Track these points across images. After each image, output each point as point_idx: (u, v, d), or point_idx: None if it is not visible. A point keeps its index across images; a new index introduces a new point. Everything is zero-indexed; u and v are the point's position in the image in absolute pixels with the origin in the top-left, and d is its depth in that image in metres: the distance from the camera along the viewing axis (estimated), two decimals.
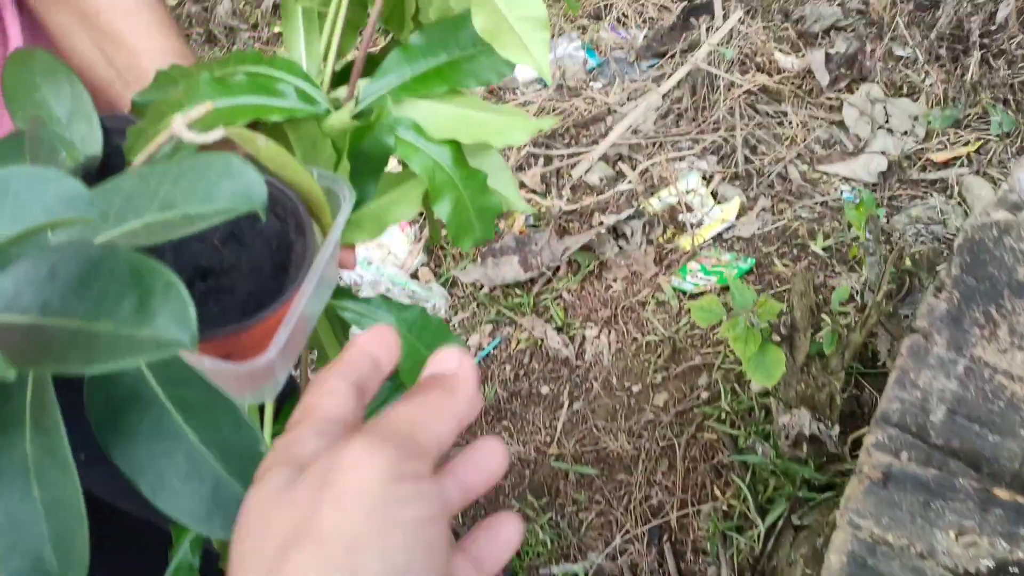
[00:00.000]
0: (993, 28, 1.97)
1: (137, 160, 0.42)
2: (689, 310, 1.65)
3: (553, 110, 2.08)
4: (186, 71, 0.50)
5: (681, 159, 1.95)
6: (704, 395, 1.50)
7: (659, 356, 1.58)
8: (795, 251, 1.74)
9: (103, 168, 0.50)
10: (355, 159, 0.50)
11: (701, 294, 1.64)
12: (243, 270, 0.48)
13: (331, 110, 0.51)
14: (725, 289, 1.64)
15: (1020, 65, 1.91)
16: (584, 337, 1.66)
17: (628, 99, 2.08)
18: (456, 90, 0.50)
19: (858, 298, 1.50)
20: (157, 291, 0.28)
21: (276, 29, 2.26)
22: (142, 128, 0.47)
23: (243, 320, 0.44)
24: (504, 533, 0.34)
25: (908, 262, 1.24)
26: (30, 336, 0.28)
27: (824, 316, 1.39)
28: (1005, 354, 0.74)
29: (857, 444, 1.21)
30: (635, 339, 1.62)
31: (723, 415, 1.44)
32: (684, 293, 1.67)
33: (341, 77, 0.55)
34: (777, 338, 1.19)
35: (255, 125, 0.47)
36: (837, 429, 1.21)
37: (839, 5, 2.17)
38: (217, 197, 0.34)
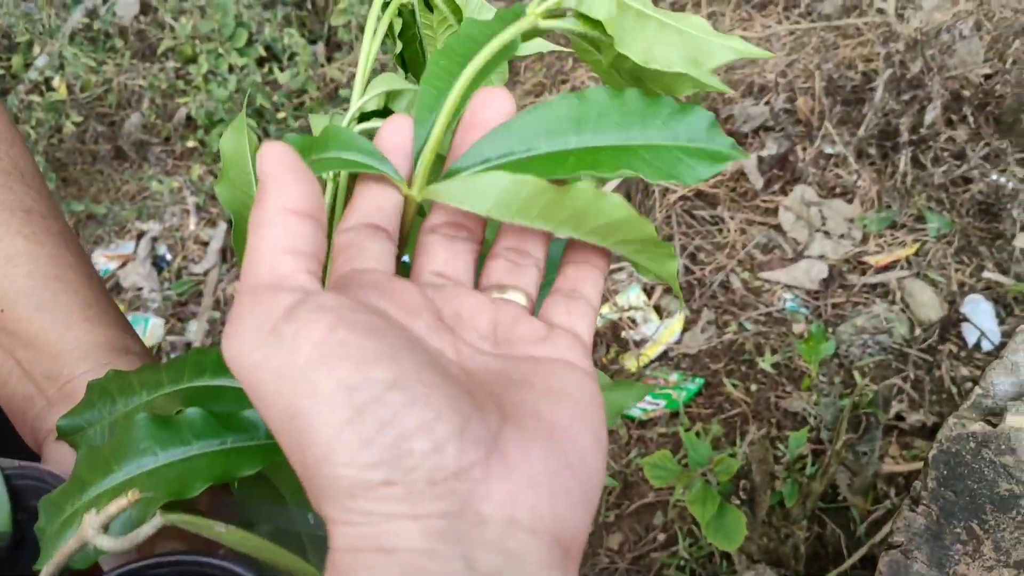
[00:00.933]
0: (922, 127, 1.98)
1: (44, 571, 0.35)
2: (640, 439, 1.58)
3: None
4: (126, 384, 0.40)
5: (620, 270, 1.90)
6: (661, 537, 1.43)
7: (610, 492, 1.51)
8: (743, 368, 1.69)
9: (17, 545, 0.42)
10: None
11: (650, 421, 1.57)
12: None
13: None
14: (675, 415, 1.58)
15: (950, 165, 1.92)
16: None
17: None
18: None
19: (813, 434, 1.45)
20: None
21: (189, 143, 2.18)
22: (57, 501, 0.37)
23: None
24: None
25: (864, 399, 1.20)
26: None
27: (780, 458, 1.34)
28: (991, 572, 0.68)
29: None
30: None
31: (682, 562, 1.37)
32: (632, 420, 1.60)
33: None
34: (736, 500, 1.13)
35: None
36: None
37: (766, 105, 2.17)
38: None
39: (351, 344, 0.25)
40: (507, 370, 0.31)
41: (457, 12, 0.38)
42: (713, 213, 1.98)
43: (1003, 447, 0.74)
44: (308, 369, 0.25)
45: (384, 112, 0.41)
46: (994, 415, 0.77)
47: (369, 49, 0.39)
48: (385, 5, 0.38)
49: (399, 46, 0.41)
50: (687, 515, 1.43)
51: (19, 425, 0.48)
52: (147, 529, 0.31)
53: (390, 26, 0.38)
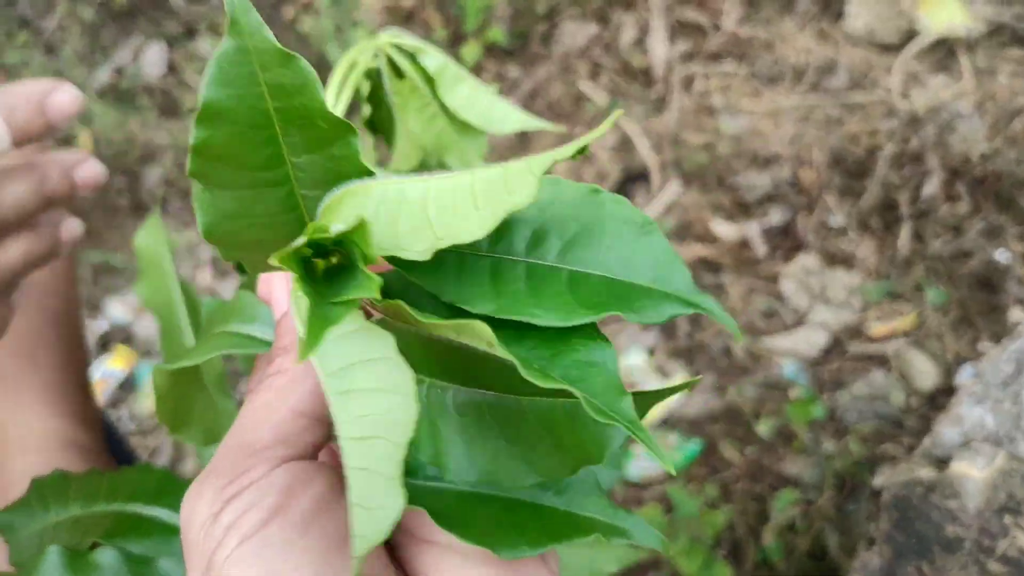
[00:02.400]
0: (922, 201, 2.02)
1: None
2: (636, 499, 1.59)
3: None
4: (62, 490, 0.38)
5: (623, 332, 1.93)
6: None
7: None
8: (740, 431, 1.70)
9: None
10: None
11: (647, 483, 1.59)
12: None
13: None
14: (671, 477, 1.60)
15: (948, 239, 1.96)
16: None
17: None
18: None
19: (801, 493, 1.46)
20: None
21: None
22: None
23: None
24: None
25: (851, 463, 1.22)
26: None
27: (770, 515, 1.35)
28: None
29: None
30: None
31: None
32: (629, 482, 1.61)
33: None
34: (722, 551, 1.14)
35: None
36: None
37: (770, 175, 2.22)
38: None
39: (278, 544, 0.25)
40: None
41: (430, 82, 0.39)
42: (717, 279, 2.02)
43: (948, 492, 0.76)
44: (226, 568, 0.25)
45: None
46: (942, 462, 0.79)
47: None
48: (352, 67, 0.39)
49: (367, 109, 0.41)
50: (680, 573, 1.44)
51: None
52: None
53: (358, 89, 0.39)
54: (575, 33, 2.61)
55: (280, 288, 0.30)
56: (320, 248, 0.24)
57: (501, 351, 0.22)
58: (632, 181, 2.24)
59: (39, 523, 0.38)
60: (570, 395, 0.23)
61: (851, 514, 1.32)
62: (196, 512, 0.26)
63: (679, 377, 1.81)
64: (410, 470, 0.29)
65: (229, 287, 2.07)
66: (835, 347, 1.85)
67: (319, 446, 0.28)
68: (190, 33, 2.64)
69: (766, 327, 1.91)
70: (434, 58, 0.38)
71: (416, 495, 0.27)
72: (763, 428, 1.68)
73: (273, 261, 0.23)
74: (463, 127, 0.38)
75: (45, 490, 0.39)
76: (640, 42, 2.60)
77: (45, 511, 0.38)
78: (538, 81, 2.54)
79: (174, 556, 0.36)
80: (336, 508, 0.26)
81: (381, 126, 0.41)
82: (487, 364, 0.26)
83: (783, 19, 2.66)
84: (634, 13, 2.66)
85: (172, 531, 0.37)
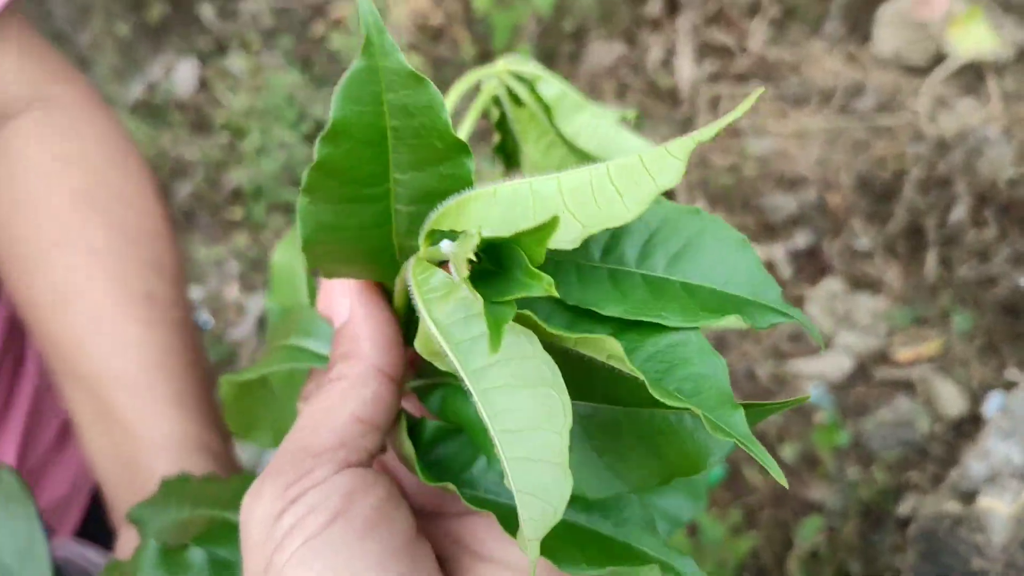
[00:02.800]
0: (949, 227, 2.01)
1: None
2: None
3: None
4: (182, 490, 0.41)
5: None
6: None
7: None
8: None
9: None
10: None
11: None
12: None
13: None
14: None
15: (975, 264, 1.95)
16: None
17: None
18: None
19: (824, 521, 1.46)
20: None
21: (236, 214, 2.27)
22: None
23: None
24: None
25: (876, 491, 1.21)
26: None
27: (793, 540, 1.35)
28: None
29: None
30: None
31: None
32: None
33: None
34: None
35: None
36: None
37: (796, 197, 2.22)
38: None
39: (341, 546, 0.25)
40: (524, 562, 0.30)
41: (547, 110, 0.38)
42: None
43: (975, 526, 0.77)
44: (287, 569, 0.25)
45: None
46: (968, 496, 0.80)
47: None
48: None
49: (497, 137, 0.41)
50: None
51: (109, 508, 0.51)
52: None
53: (487, 114, 0.39)
54: (602, 52, 2.63)
55: (340, 297, 0.30)
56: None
57: (628, 367, 0.23)
58: None
59: (160, 520, 0.41)
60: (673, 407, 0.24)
61: (875, 544, 1.31)
62: (256, 512, 0.26)
63: None
64: (470, 482, 0.30)
65: (257, 302, 2.09)
66: (860, 372, 1.85)
67: (374, 453, 0.28)
68: (221, 50, 2.68)
69: (791, 350, 1.91)
70: (552, 86, 0.37)
71: (479, 505, 0.28)
72: (787, 453, 1.68)
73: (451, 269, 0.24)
74: (583, 156, 0.37)
75: (171, 489, 0.42)
76: (667, 63, 2.61)
77: (166, 508, 0.42)
78: None
79: None
80: (394, 515, 0.26)
81: (509, 153, 0.41)
82: (593, 375, 0.26)
83: (810, 41, 2.67)
84: (661, 34, 2.67)
85: None
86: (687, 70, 2.57)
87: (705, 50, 2.66)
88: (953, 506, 0.82)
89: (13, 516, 0.44)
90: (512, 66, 0.38)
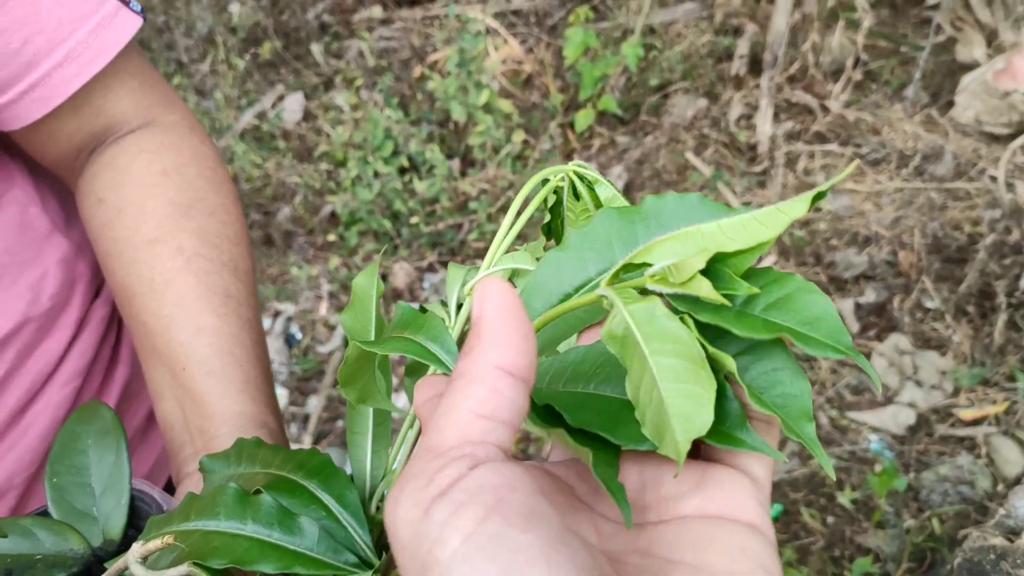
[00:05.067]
0: (1019, 292, 2.04)
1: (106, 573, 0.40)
2: None
3: None
4: (254, 451, 0.48)
5: None
6: None
7: None
8: (822, 500, 1.75)
9: (120, 552, 0.47)
10: None
11: None
12: None
13: (367, 560, 0.43)
14: None
15: None
16: None
17: None
18: None
19: (879, 565, 1.50)
20: None
21: (331, 237, 2.41)
22: (159, 521, 0.43)
23: None
24: None
25: (936, 532, 1.25)
26: None
27: None
28: None
29: None
30: None
31: None
32: None
33: None
34: None
35: None
36: None
37: (868, 254, 2.27)
38: None
39: (503, 540, 0.24)
40: (655, 549, 0.29)
41: (598, 204, 0.46)
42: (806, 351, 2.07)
43: (1019, 561, 0.82)
44: (452, 566, 0.24)
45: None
46: (1014, 533, 0.85)
47: (512, 221, 0.45)
48: (544, 182, 0.47)
49: (548, 217, 0.48)
50: None
51: (171, 462, 0.59)
52: (173, 572, 0.33)
53: (544, 199, 0.47)
54: (685, 106, 2.72)
55: (477, 296, 0.30)
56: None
57: (739, 380, 0.33)
58: None
59: (228, 471, 0.47)
60: None
61: None
62: (399, 513, 0.26)
63: None
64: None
65: None
66: (922, 427, 1.88)
67: (507, 449, 0.28)
68: (327, 85, 2.86)
69: (854, 401, 1.95)
70: (607, 189, 0.45)
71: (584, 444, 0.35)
72: (846, 499, 1.72)
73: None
74: None
75: (243, 448, 0.48)
76: (747, 119, 2.69)
77: (237, 464, 0.47)
78: (646, 149, 2.66)
79: (311, 516, 0.43)
80: (546, 507, 0.26)
81: (555, 232, 0.49)
82: None
83: (892, 105, 2.72)
84: (743, 91, 2.75)
85: (315, 500, 0.45)
86: (767, 127, 2.65)
87: (785, 108, 2.74)
88: (999, 541, 0.87)
89: (106, 448, 0.50)
90: (579, 168, 0.47)
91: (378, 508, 0.48)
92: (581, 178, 0.46)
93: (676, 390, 0.32)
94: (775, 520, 1.70)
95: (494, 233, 2.40)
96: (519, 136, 2.54)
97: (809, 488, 1.77)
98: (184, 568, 0.33)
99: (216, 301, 0.60)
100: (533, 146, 2.59)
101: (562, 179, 0.48)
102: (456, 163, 2.53)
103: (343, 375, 0.47)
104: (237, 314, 0.60)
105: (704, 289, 0.33)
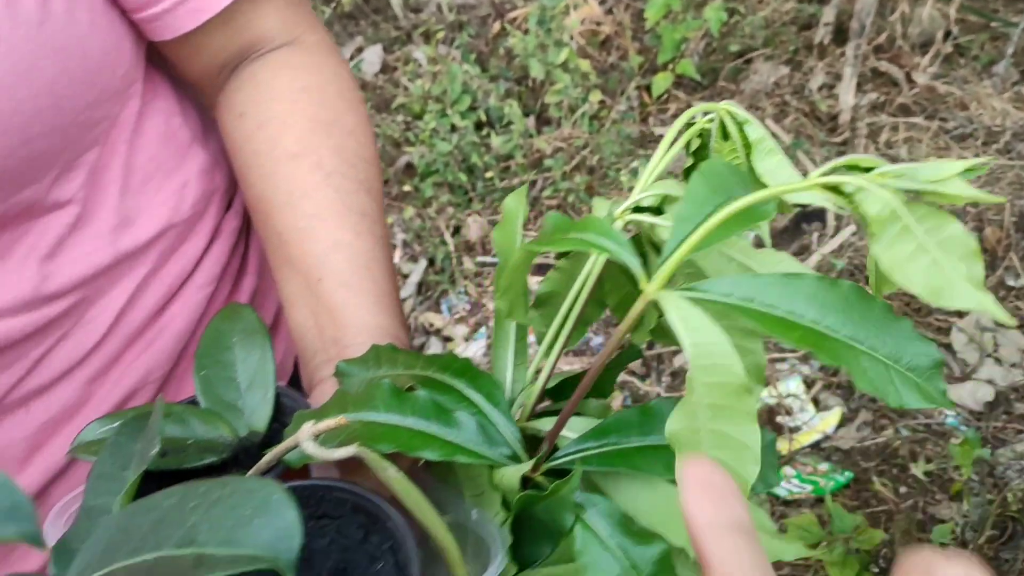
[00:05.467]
0: None
1: (264, 459, 0.41)
2: (781, 516, 1.64)
3: None
4: (394, 356, 0.48)
5: (783, 361, 1.98)
6: None
7: None
8: (895, 471, 1.72)
9: (265, 446, 0.48)
10: (522, 522, 0.43)
11: (795, 502, 1.63)
12: None
13: (518, 455, 0.45)
14: (819, 500, 1.63)
15: None
16: None
17: None
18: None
19: (958, 531, 1.48)
20: None
21: (406, 188, 2.42)
22: (307, 415, 0.44)
23: None
24: None
25: (1013, 508, 1.23)
26: None
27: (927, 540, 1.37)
28: None
29: None
30: None
31: None
32: (777, 498, 1.66)
33: (558, 392, 0.51)
34: (875, 568, 1.19)
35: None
36: None
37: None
38: (243, 540, 0.26)
39: None
40: None
41: (747, 147, 0.44)
42: None
43: None
44: None
45: (658, 210, 0.46)
46: None
47: (662, 154, 0.46)
48: (688, 125, 0.47)
49: (689, 161, 0.48)
50: None
51: (302, 369, 0.59)
52: (343, 452, 0.34)
53: (688, 143, 0.47)
54: (766, 73, 2.68)
55: (691, 501, 0.26)
56: None
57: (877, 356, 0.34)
58: (808, 219, 2.28)
59: (366, 374, 0.49)
60: None
61: (1006, 564, 1.33)
62: None
63: (836, 411, 1.84)
64: None
65: (418, 270, 2.24)
66: (1001, 404, 1.84)
67: None
68: (406, 39, 2.87)
69: None
70: (756, 130, 0.44)
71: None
72: (920, 470, 1.70)
73: None
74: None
75: (380, 353, 0.49)
76: (829, 88, 2.64)
77: (375, 367, 0.49)
78: None
79: (466, 412, 0.45)
80: None
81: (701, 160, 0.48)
82: None
83: (981, 80, 2.64)
84: (827, 60, 2.70)
85: (464, 398, 0.46)
86: (849, 97, 2.59)
87: (870, 79, 2.67)
88: None
89: (251, 345, 0.51)
90: (730, 107, 0.46)
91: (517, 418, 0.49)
92: (732, 116, 0.45)
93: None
94: (843, 488, 1.68)
95: (569, 191, 2.39)
96: (596, 96, 2.52)
97: (881, 458, 1.75)
98: (353, 448, 0.33)
99: (353, 218, 0.60)
100: (610, 107, 2.57)
101: (710, 120, 0.47)
102: (531, 121, 2.53)
103: (501, 284, 0.48)
104: (371, 232, 0.61)
105: (962, 188, 0.33)
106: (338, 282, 0.58)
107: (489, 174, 2.38)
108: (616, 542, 0.40)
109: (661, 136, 2.65)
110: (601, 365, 0.40)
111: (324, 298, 0.57)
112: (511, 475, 0.43)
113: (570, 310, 0.49)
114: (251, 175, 0.62)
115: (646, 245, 0.49)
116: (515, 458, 0.44)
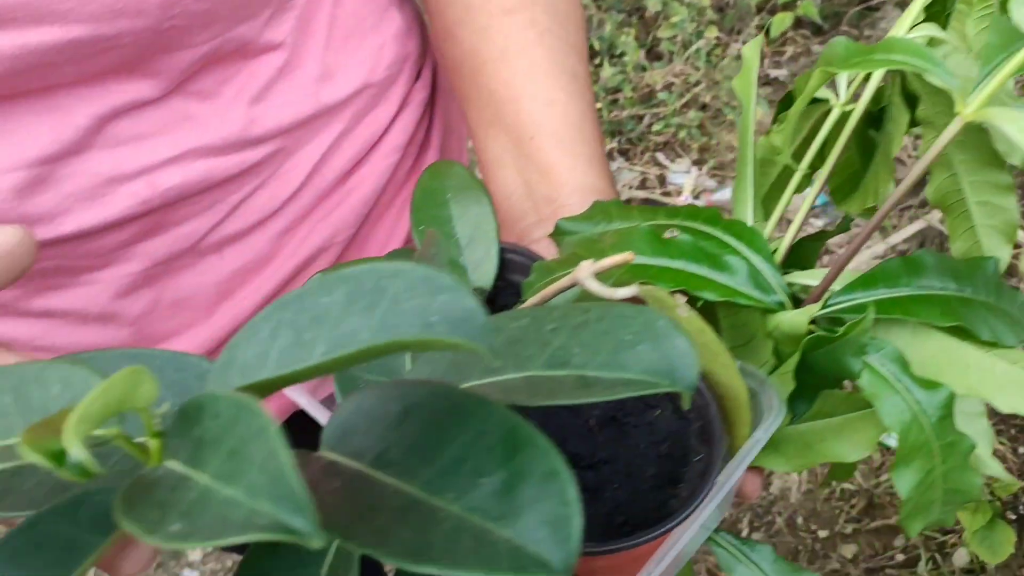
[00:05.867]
0: None
1: (529, 300, 0.38)
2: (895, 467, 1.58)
3: None
4: (625, 211, 0.46)
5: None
6: (899, 557, 1.43)
7: (853, 507, 1.52)
8: (1013, 431, 1.65)
9: (490, 303, 0.46)
10: (800, 372, 0.41)
11: None
12: (618, 469, 0.40)
13: (785, 304, 0.42)
14: None
15: None
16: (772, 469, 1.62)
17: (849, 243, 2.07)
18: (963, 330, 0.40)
19: None
20: (532, 477, 0.19)
21: None
22: (550, 266, 0.43)
23: (604, 539, 0.35)
24: None
25: None
26: (351, 490, 0.21)
27: None
28: None
29: None
30: (829, 484, 1.57)
31: None
32: (889, 449, 1.60)
33: (797, 255, 0.49)
34: (1011, 515, 1.13)
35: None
36: None
37: None
38: (627, 364, 0.25)
39: None
40: None
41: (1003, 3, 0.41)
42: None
43: None
44: None
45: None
46: None
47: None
48: None
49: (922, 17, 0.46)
50: (931, 544, 1.42)
51: (506, 232, 0.57)
52: (624, 291, 0.32)
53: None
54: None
55: None
56: None
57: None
58: None
59: (595, 229, 0.47)
60: None
61: None
62: None
63: None
64: None
65: None
66: None
67: None
68: None
69: None
70: None
71: None
72: None
73: None
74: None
75: (610, 209, 0.47)
76: None
77: (606, 222, 0.47)
78: None
79: (734, 257, 0.43)
80: None
81: (938, 21, 0.46)
82: None
83: None
84: None
85: (725, 245, 0.44)
86: None
87: None
88: None
89: (467, 200, 0.50)
90: None
91: None
92: None
93: None
94: None
95: (681, 126, 2.33)
96: (712, 32, 2.44)
97: (997, 418, 1.68)
98: (634, 288, 0.32)
99: (565, 79, 0.59)
100: (725, 44, 2.49)
101: None
102: (642, 54, 2.47)
103: (785, 127, 0.48)
104: (582, 94, 0.60)
105: None
106: (552, 140, 0.57)
107: (597, 105, 2.33)
108: (903, 384, 0.39)
109: (775, 79, 2.56)
110: (883, 217, 0.41)
111: (536, 157, 0.56)
112: (794, 320, 0.41)
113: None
114: (462, 31, 0.61)
115: (896, 96, 0.49)
116: (783, 307, 0.42)
